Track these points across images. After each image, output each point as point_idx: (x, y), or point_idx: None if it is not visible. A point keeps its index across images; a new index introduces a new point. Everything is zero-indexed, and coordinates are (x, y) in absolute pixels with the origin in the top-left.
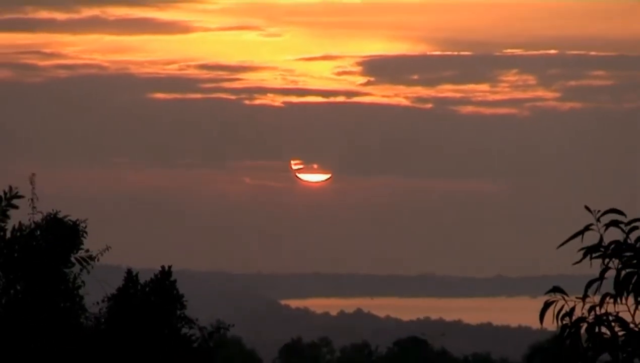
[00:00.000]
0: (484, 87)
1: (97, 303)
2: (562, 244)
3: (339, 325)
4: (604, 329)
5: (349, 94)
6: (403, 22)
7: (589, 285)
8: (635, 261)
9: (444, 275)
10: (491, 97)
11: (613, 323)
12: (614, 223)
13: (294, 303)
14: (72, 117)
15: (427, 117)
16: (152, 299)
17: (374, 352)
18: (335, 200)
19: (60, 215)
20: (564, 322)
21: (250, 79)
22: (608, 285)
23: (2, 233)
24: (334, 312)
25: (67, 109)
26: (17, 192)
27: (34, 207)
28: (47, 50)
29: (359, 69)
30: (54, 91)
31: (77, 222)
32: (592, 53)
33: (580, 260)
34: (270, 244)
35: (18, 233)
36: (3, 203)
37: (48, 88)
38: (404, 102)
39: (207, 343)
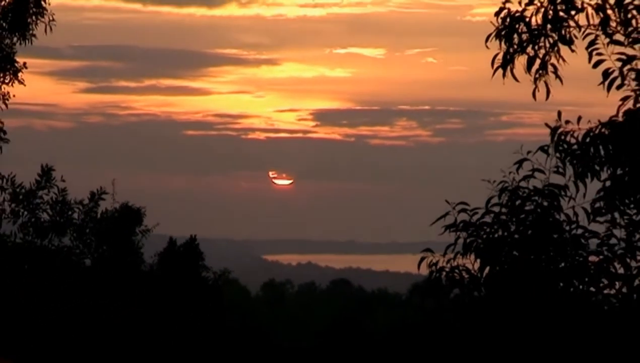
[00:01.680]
0: (386, 128)
1: (152, 256)
2: (433, 223)
3: (297, 272)
4: (455, 274)
5: (305, 132)
6: (338, 89)
7: (447, 247)
8: (475, 233)
9: (363, 241)
10: (390, 134)
11: (461, 270)
12: (463, 210)
13: (270, 257)
14: (139, 146)
15: (351, 146)
16: (185, 255)
17: (317, 287)
18: (296, 195)
19: (130, 204)
20: (432, 269)
21: (245, 122)
22: (459, 247)
23: (95, 215)
24: (294, 264)
25: (136, 141)
26: (104, 190)
27: (114, 200)
28: (123, 105)
29: (311, 116)
30: (127, 130)
31: (140, 208)
32: (451, 108)
33: (443, 233)
34: (257, 220)
35: (105, 215)
36: (96, 197)
37: (124, 128)
38: (338, 137)
39: (217, 282)
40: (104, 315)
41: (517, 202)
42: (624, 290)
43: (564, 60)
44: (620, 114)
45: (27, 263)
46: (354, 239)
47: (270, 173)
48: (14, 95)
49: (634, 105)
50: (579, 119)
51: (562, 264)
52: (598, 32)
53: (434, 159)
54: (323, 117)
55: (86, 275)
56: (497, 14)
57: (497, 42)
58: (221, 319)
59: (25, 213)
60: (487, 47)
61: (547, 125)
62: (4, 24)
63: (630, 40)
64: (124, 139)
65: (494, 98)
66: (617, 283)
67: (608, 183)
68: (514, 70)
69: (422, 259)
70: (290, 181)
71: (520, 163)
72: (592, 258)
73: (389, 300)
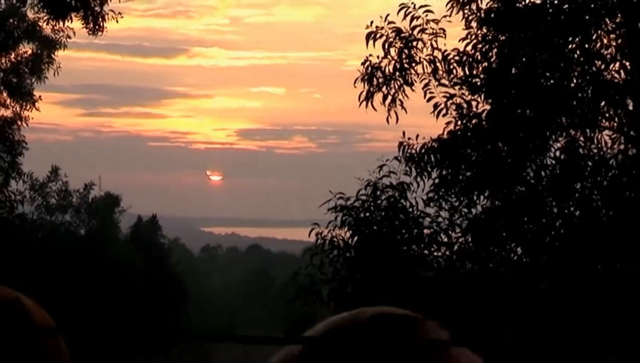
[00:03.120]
0: (286, 142)
1: (126, 228)
2: (320, 206)
3: (225, 239)
4: (334, 240)
5: (231, 144)
6: (253, 115)
7: (329, 223)
8: (348, 213)
9: (271, 218)
10: (289, 146)
11: (338, 238)
12: (341, 198)
13: (206, 229)
14: (117, 152)
15: (262, 154)
16: (148, 228)
17: (238, 250)
18: (225, 187)
19: (111, 192)
20: (318, 237)
21: (190, 137)
22: (337, 223)
23: (87, 199)
24: (223, 234)
25: (116, 149)
26: (93, 183)
27: (100, 189)
28: (107, 125)
29: (235, 134)
30: (110, 142)
31: (118, 195)
32: (330, 129)
33: (327, 213)
34: (197, 204)
35: (94, 200)
36: (88, 187)
37: (107, 141)
38: (254, 147)
39: (170, 246)
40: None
41: (377, 193)
42: (447, 252)
43: (407, 96)
44: (445, 133)
45: (40, 232)
46: (265, 217)
47: (207, 171)
48: (32, 118)
49: (454, 127)
50: (417, 136)
51: (406, 235)
52: (430, 78)
53: (320, 164)
54: (243, 134)
55: (81, 241)
56: (362, 64)
57: (362, 83)
58: (172, 270)
59: (39, 198)
60: (355, 86)
61: (400, 142)
62: (26, 69)
63: (452, 83)
64: (107, 148)
65: (360, 122)
66: (442, 248)
67: (437, 180)
68: (374, 103)
69: (312, 230)
70: (220, 177)
71: (380, 167)
72: (426, 231)
73: (287, 258)
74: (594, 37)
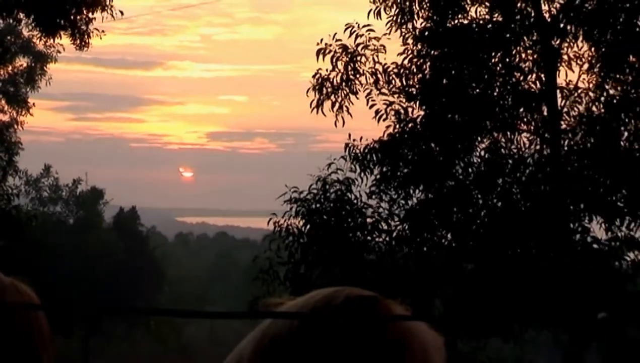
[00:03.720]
0: (249, 143)
1: (109, 218)
2: (277, 198)
3: (196, 228)
4: (289, 228)
5: (201, 145)
6: (220, 120)
7: (285, 213)
8: (301, 205)
9: (237, 209)
10: (252, 146)
11: (293, 226)
12: (295, 191)
13: (179, 219)
14: (103, 152)
15: (228, 153)
16: (128, 217)
17: (208, 236)
18: (195, 182)
19: (96, 186)
20: (275, 225)
21: (166, 139)
22: (292, 213)
23: (75, 193)
24: (194, 222)
25: (101, 149)
26: (81, 179)
27: (87, 184)
28: (93, 128)
29: (205, 136)
30: (96, 143)
31: (102, 189)
32: (287, 131)
33: (283, 204)
34: (172, 196)
35: (81, 193)
36: (76, 182)
37: (94, 142)
38: (220, 148)
39: (147, 234)
40: (81, 251)
41: (326, 187)
42: (387, 239)
43: (352, 103)
44: (385, 136)
45: (34, 221)
46: (231, 208)
47: (180, 169)
48: (27, 122)
49: (393, 130)
50: (361, 138)
51: (351, 224)
52: (372, 87)
53: (279, 162)
54: (212, 136)
55: (69, 229)
56: (314, 76)
57: (314, 92)
58: (150, 254)
59: (33, 192)
60: (307, 95)
61: (346, 143)
62: (22, 80)
63: (391, 92)
64: (93, 148)
65: (313, 126)
66: (383, 234)
67: (378, 176)
68: (324, 109)
69: (270, 220)
70: (192, 173)
71: (329, 165)
72: (369, 220)
73: (250, 244)
74: (513, 53)
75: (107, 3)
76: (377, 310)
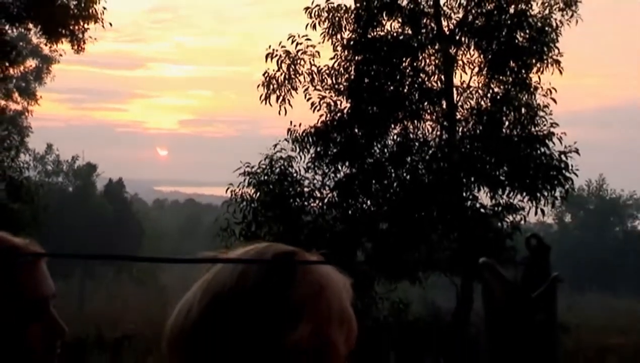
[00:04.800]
0: (211, 129)
1: (102, 186)
2: (234, 171)
3: (169, 195)
4: (244, 196)
5: (174, 130)
6: (189, 110)
7: (239, 184)
8: (253, 177)
9: (201, 180)
10: (213, 131)
11: (247, 194)
12: (248, 166)
13: (156, 188)
14: (95, 136)
15: (193, 137)
16: (116, 187)
17: (179, 202)
18: (169, 157)
19: (91, 162)
20: (232, 193)
21: (146, 125)
22: (245, 183)
23: (74, 166)
24: (168, 191)
25: (94, 134)
26: (78, 156)
27: (83, 160)
28: (88, 117)
29: (177, 123)
30: (90, 128)
31: (95, 164)
32: (242, 119)
33: (239, 176)
34: (151, 170)
35: (79, 167)
36: (74, 159)
37: (89, 127)
38: (189, 132)
39: (131, 200)
40: (78, 213)
41: (272, 163)
42: (320, 204)
43: (293, 97)
44: (319, 123)
45: (40, 189)
46: (197, 179)
47: (157, 148)
48: (35, 111)
49: (325, 118)
50: (300, 124)
51: (292, 192)
52: (309, 85)
53: (235, 143)
54: (183, 123)
55: (69, 196)
56: (263, 75)
57: (263, 88)
58: (134, 216)
59: (40, 166)
60: (258, 90)
61: (289, 129)
62: (31, 77)
63: (324, 88)
64: (88, 132)
65: (262, 115)
66: (317, 201)
67: (313, 155)
68: (271, 102)
69: (228, 189)
70: (167, 152)
71: (275, 145)
72: (306, 189)
73: (212, 208)
74: (420, 58)
75: (99, 16)
76: (298, 258)
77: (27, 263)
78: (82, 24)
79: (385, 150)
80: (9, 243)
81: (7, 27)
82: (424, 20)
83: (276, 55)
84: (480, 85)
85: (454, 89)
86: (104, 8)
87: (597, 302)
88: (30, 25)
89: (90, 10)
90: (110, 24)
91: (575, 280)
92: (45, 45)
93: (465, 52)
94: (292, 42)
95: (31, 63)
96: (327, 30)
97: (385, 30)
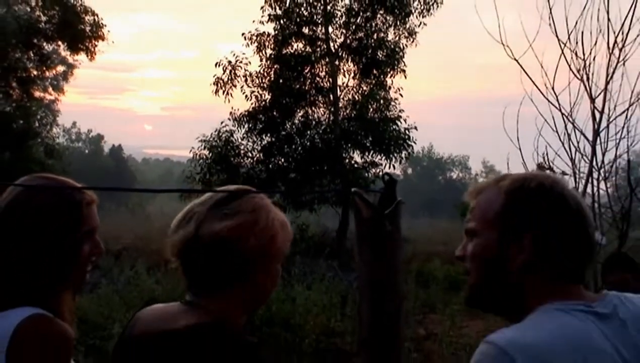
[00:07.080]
0: (182, 113)
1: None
2: (196, 139)
3: (152, 156)
4: (203, 158)
5: (158, 116)
6: (168, 100)
7: (199, 148)
8: (206, 143)
9: (177, 145)
10: (184, 115)
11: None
12: (204, 136)
13: (145, 151)
14: (96, 121)
15: (175, 119)
16: (116, 152)
17: (161, 161)
18: (154, 130)
19: (99, 133)
20: (195, 156)
21: (135, 115)
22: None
23: (81, 136)
24: (152, 152)
25: (95, 117)
26: (86, 130)
27: (89, 131)
28: (90, 108)
29: (160, 110)
30: (95, 115)
31: (103, 136)
32: (203, 106)
33: (200, 143)
34: (138, 143)
35: (86, 137)
36: (88, 133)
37: (92, 112)
38: (170, 116)
39: (127, 160)
40: (91, 170)
41: (220, 134)
42: (252, 161)
43: (233, 91)
44: (251, 108)
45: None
46: (170, 144)
47: (145, 125)
48: (61, 100)
49: (255, 105)
50: (238, 109)
51: (232, 153)
52: (244, 83)
53: (198, 121)
54: (164, 108)
55: (84, 157)
56: (214, 76)
57: (215, 85)
58: (130, 170)
59: (67, 135)
60: (212, 86)
61: (231, 112)
62: (60, 77)
63: (255, 86)
64: (100, 114)
65: (214, 102)
66: (249, 159)
67: (247, 128)
68: (219, 94)
69: (191, 150)
70: (151, 127)
71: (222, 122)
72: (242, 151)
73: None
74: (316, 67)
75: (106, 36)
76: (245, 192)
77: (86, 201)
78: (94, 41)
79: (294, 126)
80: (73, 185)
81: (44, 44)
82: (319, 43)
83: (223, 64)
84: (354, 85)
85: (338, 87)
86: (109, 31)
87: (427, 224)
88: (60, 43)
89: (100, 33)
90: (113, 42)
91: (413, 210)
92: (70, 56)
93: (345, 63)
94: (234, 55)
95: (60, 68)
96: (257, 47)
97: (294, 49)
